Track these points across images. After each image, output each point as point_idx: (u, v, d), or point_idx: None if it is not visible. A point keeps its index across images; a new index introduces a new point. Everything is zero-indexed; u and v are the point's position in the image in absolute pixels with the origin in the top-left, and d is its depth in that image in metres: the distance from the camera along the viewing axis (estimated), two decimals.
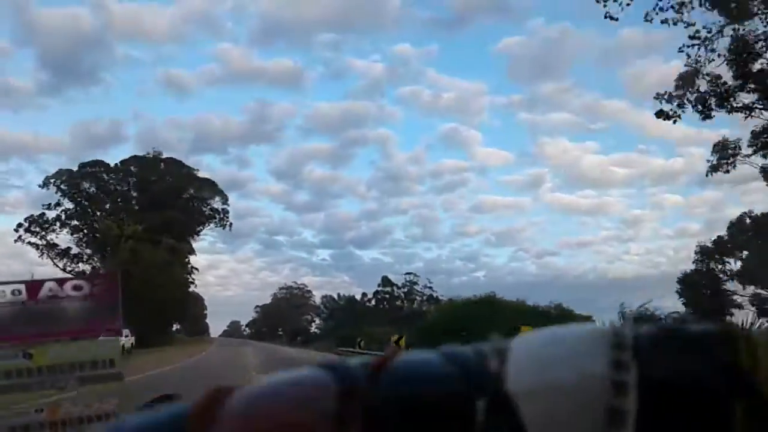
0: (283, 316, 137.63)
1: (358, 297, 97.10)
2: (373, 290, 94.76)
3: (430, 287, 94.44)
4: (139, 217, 60.17)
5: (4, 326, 2.58)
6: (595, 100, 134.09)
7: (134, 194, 68.57)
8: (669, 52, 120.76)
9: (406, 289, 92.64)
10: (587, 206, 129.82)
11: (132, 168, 68.14)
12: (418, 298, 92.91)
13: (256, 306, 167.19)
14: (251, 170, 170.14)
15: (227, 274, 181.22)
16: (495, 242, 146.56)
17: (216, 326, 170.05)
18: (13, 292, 2.53)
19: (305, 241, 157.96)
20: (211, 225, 73.60)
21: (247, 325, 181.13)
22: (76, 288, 2.61)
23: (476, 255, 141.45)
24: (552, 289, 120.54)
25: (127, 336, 34.13)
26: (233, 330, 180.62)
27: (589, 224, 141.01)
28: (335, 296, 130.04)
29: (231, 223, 74.75)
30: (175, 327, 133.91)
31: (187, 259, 66.96)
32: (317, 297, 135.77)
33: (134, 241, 51.71)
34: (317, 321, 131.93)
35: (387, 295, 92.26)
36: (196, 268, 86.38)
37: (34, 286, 2.58)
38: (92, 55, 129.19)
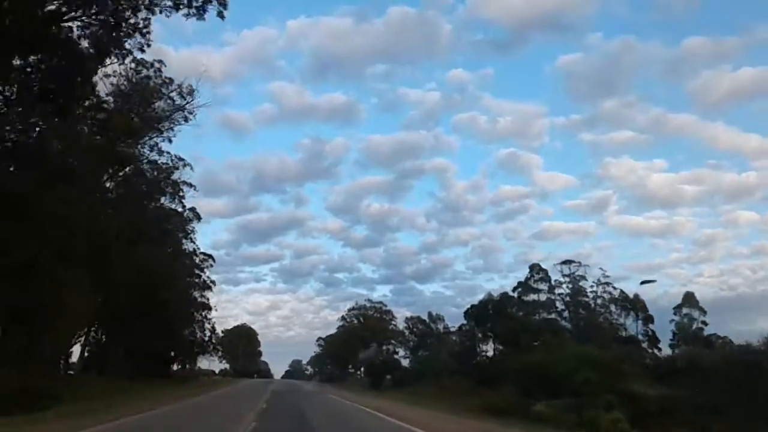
0: (355, 348, 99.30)
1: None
2: (512, 286, 54.72)
3: (607, 282, 54.11)
4: None
5: None
6: (661, 115, 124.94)
7: None
8: (738, 60, 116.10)
9: (570, 287, 52.77)
10: (656, 228, 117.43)
11: None
12: (590, 302, 52.74)
13: (319, 339, 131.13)
14: (308, 208, 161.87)
15: (289, 314, 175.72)
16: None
17: (279, 366, 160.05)
18: None
19: (365, 277, 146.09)
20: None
21: (308, 363, 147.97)
22: None
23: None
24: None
25: None
26: (294, 370, 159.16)
27: (659, 246, 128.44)
28: (427, 317, 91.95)
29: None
30: (207, 364, 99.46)
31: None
32: (399, 321, 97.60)
33: None
34: (401, 352, 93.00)
35: (536, 294, 52.38)
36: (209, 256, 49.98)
37: None
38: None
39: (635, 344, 45.07)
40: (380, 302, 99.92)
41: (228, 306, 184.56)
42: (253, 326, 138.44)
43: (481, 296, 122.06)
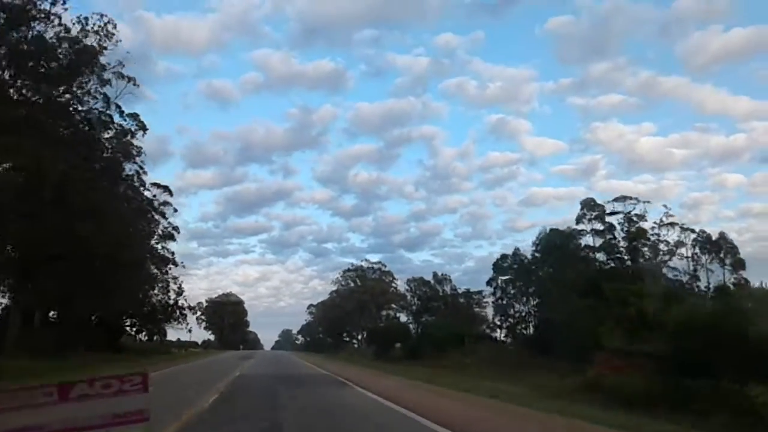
0: (351, 314, 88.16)
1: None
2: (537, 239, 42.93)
3: (672, 223, 42.84)
4: None
5: (37, 426, 2.58)
6: (651, 78, 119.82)
7: None
8: (730, 20, 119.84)
9: (625, 228, 41.33)
10: (644, 192, 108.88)
11: None
12: (656, 246, 41.47)
13: (310, 306, 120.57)
14: (296, 178, 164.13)
15: (278, 285, 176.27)
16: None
17: (270, 336, 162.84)
18: (45, 394, 2.61)
19: (354, 247, 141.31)
20: None
21: (299, 332, 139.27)
22: (105, 386, 2.70)
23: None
24: None
25: None
26: (284, 340, 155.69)
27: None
28: (432, 278, 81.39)
29: None
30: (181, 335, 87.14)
31: None
32: (400, 283, 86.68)
33: None
34: (402, 317, 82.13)
35: (589, 237, 40.89)
36: (165, 188, 38.43)
37: (65, 388, 2.67)
38: (134, 71, 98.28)
39: (729, 296, 33.93)
40: (379, 262, 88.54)
41: (217, 278, 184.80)
42: (242, 297, 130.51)
43: (470, 263, 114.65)
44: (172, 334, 75.89)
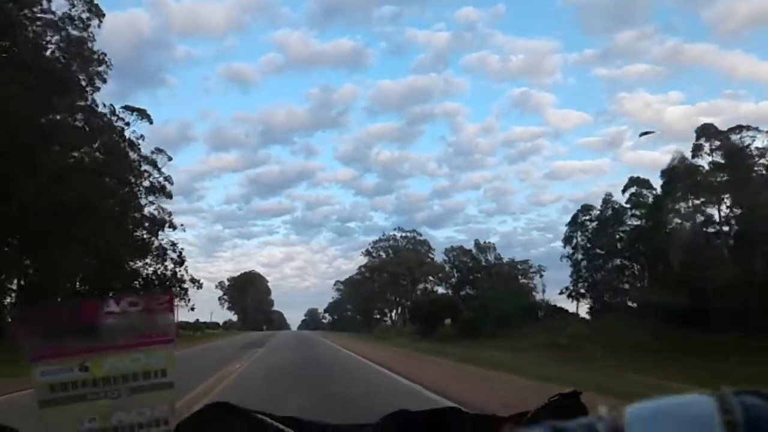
0: (383, 289, 79.27)
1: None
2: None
3: None
4: None
5: (63, 344, 2.05)
6: (678, 45, 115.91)
7: None
8: None
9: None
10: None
11: None
12: None
13: (336, 282, 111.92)
14: (318, 158, 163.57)
15: (303, 265, 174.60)
16: (574, 209, 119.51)
17: (296, 316, 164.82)
18: (72, 311, 2.04)
19: (377, 226, 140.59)
20: None
21: (325, 311, 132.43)
22: (132, 304, 2.07)
23: (554, 224, 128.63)
24: None
25: None
26: (311, 319, 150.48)
27: None
28: (473, 247, 72.35)
29: None
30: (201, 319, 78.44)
31: None
32: (437, 253, 77.63)
33: None
34: (440, 290, 73.01)
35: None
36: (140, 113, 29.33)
37: (91, 305, 2.07)
38: (154, 56, 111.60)
39: None
40: (413, 230, 79.12)
41: (242, 260, 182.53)
42: (267, 278, 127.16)
43: (495, 239, 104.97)
44: (190, 314, 68.01)
